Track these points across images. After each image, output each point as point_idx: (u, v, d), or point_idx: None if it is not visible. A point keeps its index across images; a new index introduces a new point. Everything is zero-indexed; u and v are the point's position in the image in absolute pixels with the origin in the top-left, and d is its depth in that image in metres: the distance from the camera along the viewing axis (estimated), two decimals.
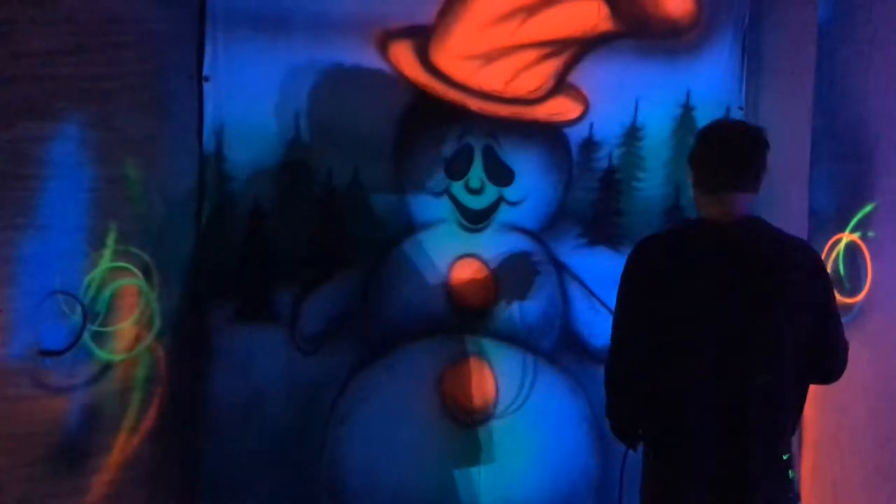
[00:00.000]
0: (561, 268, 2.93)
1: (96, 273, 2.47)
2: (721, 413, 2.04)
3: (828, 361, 2.22)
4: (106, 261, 2.48)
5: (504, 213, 2.86)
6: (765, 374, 2.06)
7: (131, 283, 2.50)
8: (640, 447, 2.16)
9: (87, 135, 2.45)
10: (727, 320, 2.04)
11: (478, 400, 2.87)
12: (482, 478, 2.87)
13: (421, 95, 2.76)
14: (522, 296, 2.90)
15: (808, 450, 3.18)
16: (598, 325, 2.94)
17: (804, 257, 2.13)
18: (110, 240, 2.49)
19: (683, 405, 2.06)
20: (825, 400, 3.20)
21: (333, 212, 2.70)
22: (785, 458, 2.11)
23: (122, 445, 2.48)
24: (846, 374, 2.85)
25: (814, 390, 3.16)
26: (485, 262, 2.86)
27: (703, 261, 2.07)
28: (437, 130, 2.79)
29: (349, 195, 2.71)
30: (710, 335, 2.04)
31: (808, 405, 3.14)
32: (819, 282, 2.13)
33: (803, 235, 3.04)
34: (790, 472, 2.12)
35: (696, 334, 2.05)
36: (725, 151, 2.08)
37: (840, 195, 3.00)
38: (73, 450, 2.43)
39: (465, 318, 2.85)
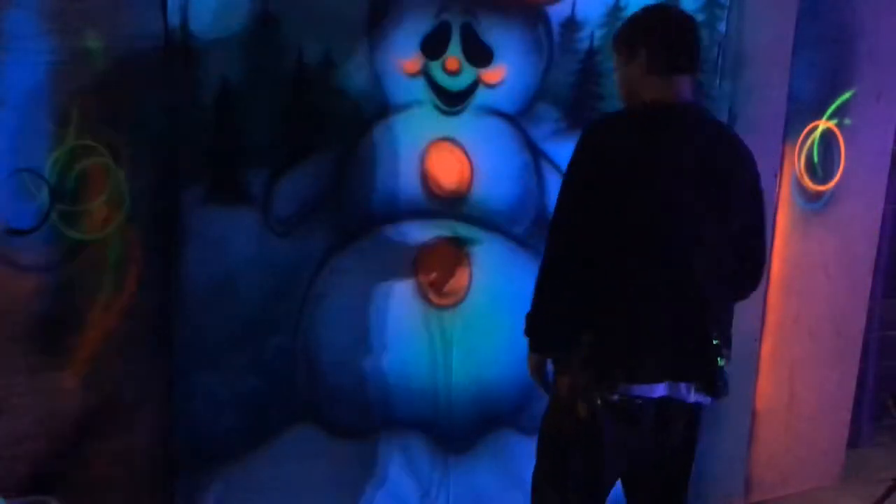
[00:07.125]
0: (537, 153, 2.90)
1: (61, 151, 2.40)
2: (673, 296, 2.10)
3: (754, 257, 2.28)
4: (71, 139, 2.41)
5: (482, 96, 2.80)
6: (712, 258, 2.13)
7: (98, 161, 2.43)
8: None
9: (45, 4, 2.32)
10: (682, 203, 2.09)
11: (452, 283, 2.90)
12: (454, 358, 2.93)
13: None
14: (498, 181, 2.88)
15: (769, 332, 3.30)
16: None
17: (739, 140, 2.24)
18: (74, 116, 2.41)
19: (638, 288, 2.10)
20: (787, 284, 3.29)
21: (305, 91, 2.61)
22: (715, 342, 2.16)
23: (97, 322, 2.47)
24: (811, 257, 2.89)
25: (776, 275, 3.26)
26: (461, 146, 2.82)
27: (661, 144, 2.10)
28: (413, 6, 2.67)
29: (321, 74, 2.61)
30: (667, 219, 2.09)
31: (772, 291, 3.25)
32: (752, 166, 2.22)
33: (781, 121, 3.03)
34: (719, 359, 2.17)
35: (652, 218, 2.08)
36: (682, 33, 2.15)
37: (820, 81, 2.98)
38: (49, 326, 2.42)
39: (440, 202, 2.84)
